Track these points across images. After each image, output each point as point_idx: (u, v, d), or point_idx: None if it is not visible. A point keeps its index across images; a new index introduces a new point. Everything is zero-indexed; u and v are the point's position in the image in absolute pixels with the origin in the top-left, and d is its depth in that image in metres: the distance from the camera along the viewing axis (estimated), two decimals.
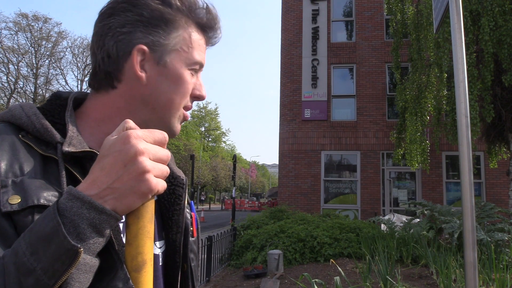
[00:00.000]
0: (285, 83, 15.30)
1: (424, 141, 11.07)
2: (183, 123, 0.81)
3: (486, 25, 8.41)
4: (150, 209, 0.60)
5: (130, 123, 0.60)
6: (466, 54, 7.58)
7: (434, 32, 2.52)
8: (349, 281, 5.06)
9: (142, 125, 0.72)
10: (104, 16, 0.74)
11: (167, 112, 0.76)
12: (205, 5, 0.79)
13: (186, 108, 0.79)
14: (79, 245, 0.51)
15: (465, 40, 6.84)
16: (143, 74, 0.73)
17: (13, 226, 0.58)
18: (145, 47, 0.72)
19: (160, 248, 0.78)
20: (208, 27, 0.80)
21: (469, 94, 8.12)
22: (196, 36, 0.77)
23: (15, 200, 0.59)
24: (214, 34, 0.82)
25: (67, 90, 0.80)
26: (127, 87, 0.74)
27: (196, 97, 0.80)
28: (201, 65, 0.79)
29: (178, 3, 0.75)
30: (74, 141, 0.67)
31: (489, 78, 8.54)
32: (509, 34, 8.37)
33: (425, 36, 10.69)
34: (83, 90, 0.83)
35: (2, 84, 26.87)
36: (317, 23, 15.15)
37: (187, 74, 0.76)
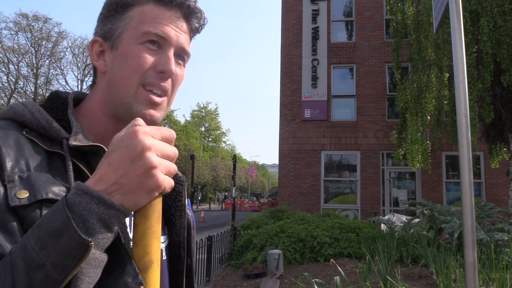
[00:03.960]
0: (285, 83, 15.30)
1: (425, 141, 11.08)
2: (158, 108, 0.75)
3: (485, 26, 8.41)
4: (157, 209, 0.60)
5: (139, 121, 0.60)
6: (466, 55, 7.59)
7: (434, 32, 2.53)
8: (349, 281, 5.07)
9: (114, 116, 0.75)
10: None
11: (121, 92, 0.73)
12: None
13: (148, 84, 0.73)
14: (90, 239, 0.51)
15: (465, 41, 6.85)
16: (99, 63, 0.77)
17: (19, 222, 0.58)
18: (98, 38, 0.77)
19: (163, 243, 0.80)
20: None
21: (468, 95, 8.13)
22: (151, 10, 0.74)
23: (23, 194, 0.59)
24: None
25: (65, 90, 0.82)
26: (99, 81, 0.78)
27: (161, 72, 0.73)
28: (159, 36, 0.73)
29: None
30: (80, 136, 0.69)
31: (488, 79, 8.54)
32: (508, 34, 8.37)
33: (425, 36, 10.70)
34: (83, 90, 0.84)
35: (3, 84, 26.88)
36: (317, 23, 15.15)
37: (138, 48, 0.72)
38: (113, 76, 0.74)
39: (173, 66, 0.74)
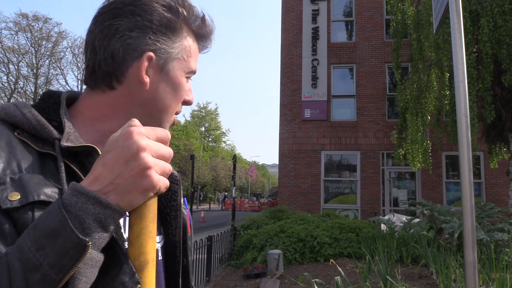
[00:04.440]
0: (285, 83, 15.30)
1: (425, 141, 11.08)
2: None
3: (486, 26, 8.41)
4: (152, 209, 0.60)
5: (135, 121, 0.60)
6: (466, 55, 7.60)
7: (434, 32, 2.53)
8: (349, 281, 5.06)
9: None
10: (110, 16, 0.73)
11: (163, 117, 0.78)
12: (202, 14, 0.81)
13: (177, 113, 0.81)
14: (87, 239, 0.51)
15: (465, 41, 6.85)
16: (147, 80, 0.73)
17: (12, 224, 0.58)
18: (153, 54, 0.73)
19: (159, 243, 0.80)
20: (203, 36, 0.82)
21: (468, 95, 8.13)
22: (194, 45, 0.80)
23: (15, 196, 0.58)
24: (207, 43, 0.84)
25: (58, 90, 0.80)
26: (128, 90, 0.74)
27: (186, 102, 0.82)
28: (195, 73, 0.82)
29: (185, 13, 0.77)
30: (72, 137, 0.68)
31: (488, 79, 8.55)
32: (508, 34, 8.37)
33: (425, 36, 10.70)
34: (83, 90, 0.83)
35: (3, 84, 26.86)
36: (317, 23, 15.15)
37: (185, 82, 0.79)
38: (157, 100, 0.76)
39: (193, 97, 0.84)
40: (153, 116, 0.77)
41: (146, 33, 0.72)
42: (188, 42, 0.79)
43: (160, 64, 0.74)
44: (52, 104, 0.73)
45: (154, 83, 0.75)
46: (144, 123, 0.72)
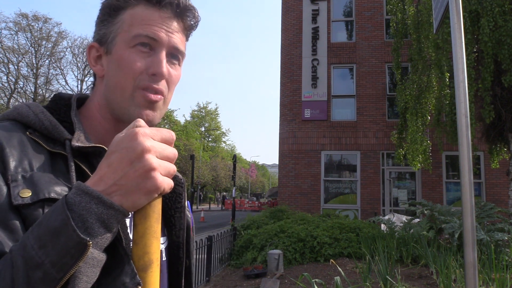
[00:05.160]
0: (285, 83, 15.30)
1: (426, 141, 11.07)
2: (154, 108, 0.74)
3: (486, 26, 8.41)
4: (157, 209, 0.60)
5: (140, 122, 0.61)
6: (466, 55, 7.59)
7: (434, 32, 2.53)
8: (349, 281, 5.06)
9: (113, 118, 0.76)
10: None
11: (116, 96, 0.73)
12: None
13: (144, 87, 0.72)
14: (88, 238, 0.52)
15: (465, 41, 6.85)
16: (97, 68, 0.78)
17: (22, 220, 0.59)
18: (94, 43, 0.78)
19: (163, 244, 0.80)
20: None
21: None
22: (142, 12, 0.73)
23: (26, 193, 0.60)
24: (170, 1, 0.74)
25: (68, 92, 0.83)
26: (97, 84, 0.80)
27: (153, 75, 0.73)
28: (150, 38, 0.72)
29: None
30: (82, 138, 0.70)
31: (489, 79, 8.54)
32: (509, 34, 8.37)
33: (425, 36, 10.69)
34: (83, 90, 0.85)
35: (2, 84, 26.84)
36: (317, 23, 15.15)
37: (130, 52, 0.72)
38: (109, 81, 0.75)
39: (165, 68, 0.73)
40: (109, 100, 0.75)
41: (96, 28, 0.78)
42: (130, 13, 0.73)
43: (105, 49, 0.76)
44: (63, 105, 0.76)
45: (106, 68, 0.77)
46: (114, 110, 0.75)
